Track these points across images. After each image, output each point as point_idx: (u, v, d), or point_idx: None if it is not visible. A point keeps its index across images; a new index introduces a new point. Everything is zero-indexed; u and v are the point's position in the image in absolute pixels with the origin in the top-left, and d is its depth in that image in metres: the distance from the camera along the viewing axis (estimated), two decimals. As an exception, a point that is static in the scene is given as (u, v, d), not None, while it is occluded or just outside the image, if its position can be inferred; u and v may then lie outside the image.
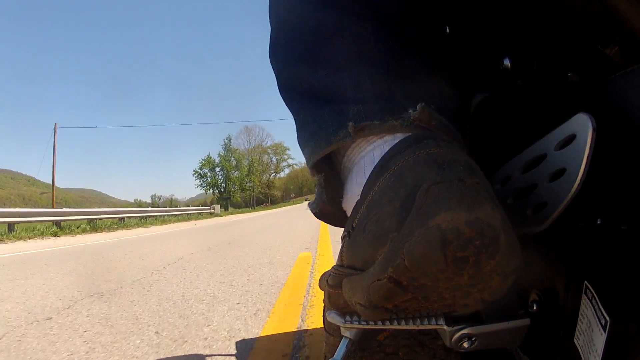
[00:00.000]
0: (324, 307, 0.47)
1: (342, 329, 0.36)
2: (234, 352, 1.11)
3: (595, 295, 0.31)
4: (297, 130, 0.44)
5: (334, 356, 0.35)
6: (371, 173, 0.34)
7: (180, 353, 1.10)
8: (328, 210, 0.44)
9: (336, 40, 0.39)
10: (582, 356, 0.32)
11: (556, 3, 0.38)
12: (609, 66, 0.35)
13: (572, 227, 0.34)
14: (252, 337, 1.21)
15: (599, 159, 0.29)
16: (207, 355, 1.08)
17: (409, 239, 0.25)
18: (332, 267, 0.38)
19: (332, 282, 0.38)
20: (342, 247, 0.36)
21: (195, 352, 1.10)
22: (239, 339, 1.20)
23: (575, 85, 0.37)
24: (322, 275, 0.43)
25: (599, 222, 0.31)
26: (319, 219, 0.47)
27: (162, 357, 1.07)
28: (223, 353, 1.10)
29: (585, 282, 0.32)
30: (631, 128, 0.29)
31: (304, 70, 0.41)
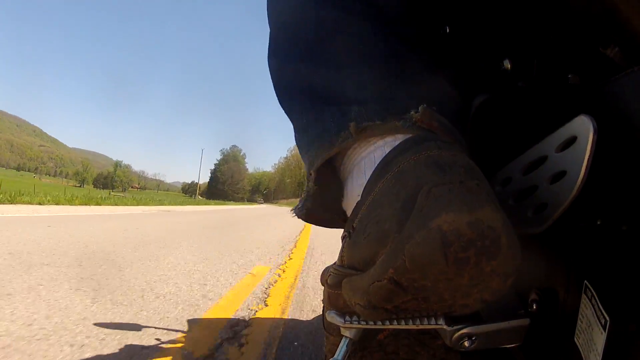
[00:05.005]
0: (324, 306, 0.47)
1: (342, 328, 0.36)
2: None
3: (594, 294, 0.31)
4: (295, 132, 0.44)
5: (335, 356, 0.36)
6: (372, 174, 0.33)
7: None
8: (316, 215, 0.44)
9: (337, 39, 0.39)
10: (582, 355, 0.32)
11: (556, 4, 0.38)
12: (609, 67, 0.35)
13: (573, 228, 0.34)
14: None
15: (600, 160, 0.29)
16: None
17: (410, 240, 0.25)
18: (332, 267, 0.38)
19: (331, 282, 0.38)
20: (342, 247, 0.36)
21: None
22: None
23: (575, 86, 0.37)
24: (323, 270, 0.43)
25: (599, 223, 0.31)
26: (306, 222, 0.46)
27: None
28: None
29: (585, 281, 0.32)
30: (631, 129, 0.29)
31: (304, 69, 0.41)
